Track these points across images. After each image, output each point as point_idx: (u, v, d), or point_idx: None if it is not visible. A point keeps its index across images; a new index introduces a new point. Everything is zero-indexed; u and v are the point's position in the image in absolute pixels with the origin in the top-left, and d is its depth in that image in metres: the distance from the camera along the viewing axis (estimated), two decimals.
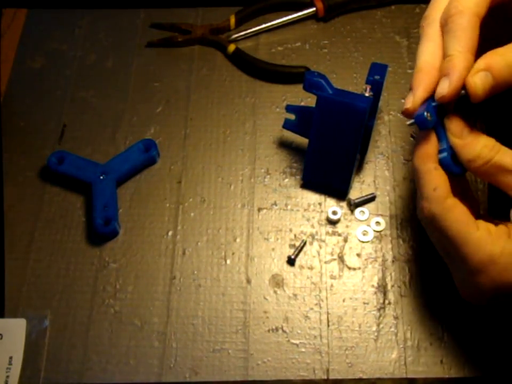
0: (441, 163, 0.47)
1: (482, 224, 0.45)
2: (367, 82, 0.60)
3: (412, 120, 0.47)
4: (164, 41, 0.74)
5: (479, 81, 0.44)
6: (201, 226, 0.63)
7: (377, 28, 0.74)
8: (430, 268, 0.59)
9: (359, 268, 0.60)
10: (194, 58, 0.74)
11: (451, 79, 0.45)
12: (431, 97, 0.47)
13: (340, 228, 0.62)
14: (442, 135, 0.47)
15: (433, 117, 0.46)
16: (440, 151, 0.47)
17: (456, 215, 0.45)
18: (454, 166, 0.47)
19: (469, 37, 0.45)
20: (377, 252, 0.61)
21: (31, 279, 0.61)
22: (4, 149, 0.68)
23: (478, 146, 0.46)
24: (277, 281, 0.60)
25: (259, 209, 0.64)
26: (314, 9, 0.74)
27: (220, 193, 0.65)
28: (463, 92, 0.46)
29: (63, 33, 0.76)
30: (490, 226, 0.45)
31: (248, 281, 0.60)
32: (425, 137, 0.47)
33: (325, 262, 0.60)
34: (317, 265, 0.60)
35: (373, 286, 0.59)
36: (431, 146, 0.47)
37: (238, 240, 0.62)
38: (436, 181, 0.46)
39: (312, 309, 0.58)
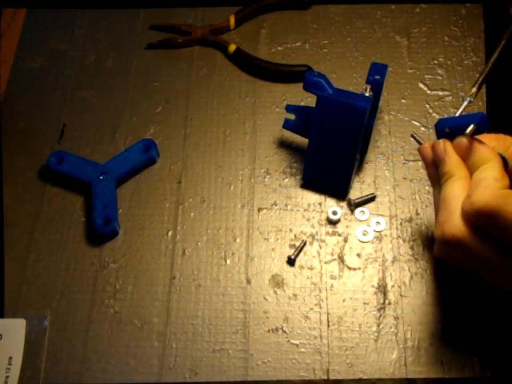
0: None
1: None
2: (367, 82, 0.60)
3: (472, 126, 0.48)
4: (164, 42, 0.74)
5: None
6: (201, 226, 0.63)
7: (377, 28, 0.74)
8: (430, 268, 0.59)
9: (359, 268, 0.60)
10: (194, 58, 0.74)
11: None
12: None
13: (340, 228, 0.62)
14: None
15: None
16: None
17: None
18: (507, 161, 0.48)
19: None
20: (377, 252, 0.61)
21: (31, 279, 0.61)
22: (4, 149, 0.68)
23: None
24: (277, 281, 0.60)
25: (259, 209, 0.64)
26: None
27: (220, 193, 0.65)
28: None
29: (62, 33, 0.76)
30: None
31: (248, 281, 0.60)
32: (480, 142, 0.48)
33: (325, 262, 0.60)
34: (317, 265, 0.60)
35: (373, 286, 0.59)
36: (491, 148, 0.48)
37: (238, 240, 0.62)
38: (500, 172, 0.46)
39: (312, 309, 0.58)
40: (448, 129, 0.50)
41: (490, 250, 0.46)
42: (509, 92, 0.69)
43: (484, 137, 0.49)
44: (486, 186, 0.45)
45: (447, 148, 0.50)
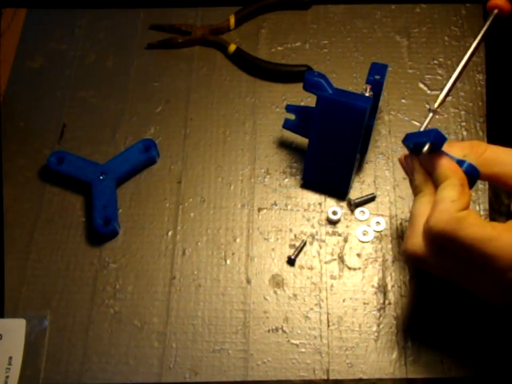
0: (468, 170, 0.48)
1: (492, 223, 0.46)
2: (367, 82, 0.60)
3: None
4: (164, 42, 0.74)
5: None
6: (201, 226, 0.63)
7: (378, 28, 0.74)
8: None
9: (359, 268, 0.60)
10: (194, 58, 0.74)
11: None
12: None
13: (340, 228, 0.62)
14: (449, 155, 0.48)
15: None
16: (459, 163, 0.48)
17: (471, 220, 0.45)
18: (477, 169, 0.48)
19: None
20: (377, 252, 0.61)
21: (31, 279, 0.61)
22: (4, 149, 0.68)
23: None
24: (277, 281, 0.60)
25: (259, 209, 0.64)
26: None
27: (220, 193, 0.65)
28: None
29: (62, 33, 0.76)
30: (496, 223, 0.46)
31: (248, 281, 0.60)
32: (441, 156, 0.48)
33: (325, 262, 0.60)
34: (317, 265, 0.60)
35: (373, 286, 0.59)
36: (453, 163, 0.48)
37: (238, 240, 0.62)
38: (457, 191, 0.46)
39: (312, 309, 0.58)
40: (412, 145, 0.51)
41: (451, 266, 0.47)
42: (508, 99, 0.69)
43: (456, 145, 0.49)
44: (442, 211, 0.45)
45: (414, 164, 0.51)
